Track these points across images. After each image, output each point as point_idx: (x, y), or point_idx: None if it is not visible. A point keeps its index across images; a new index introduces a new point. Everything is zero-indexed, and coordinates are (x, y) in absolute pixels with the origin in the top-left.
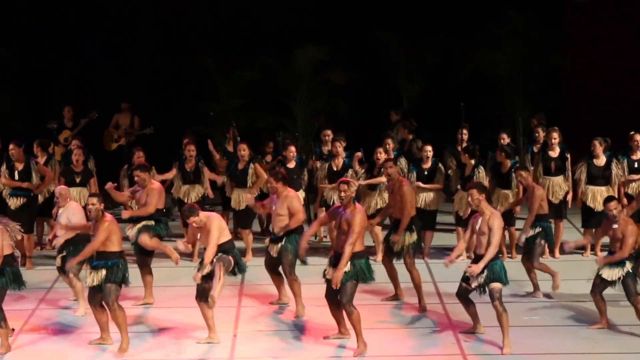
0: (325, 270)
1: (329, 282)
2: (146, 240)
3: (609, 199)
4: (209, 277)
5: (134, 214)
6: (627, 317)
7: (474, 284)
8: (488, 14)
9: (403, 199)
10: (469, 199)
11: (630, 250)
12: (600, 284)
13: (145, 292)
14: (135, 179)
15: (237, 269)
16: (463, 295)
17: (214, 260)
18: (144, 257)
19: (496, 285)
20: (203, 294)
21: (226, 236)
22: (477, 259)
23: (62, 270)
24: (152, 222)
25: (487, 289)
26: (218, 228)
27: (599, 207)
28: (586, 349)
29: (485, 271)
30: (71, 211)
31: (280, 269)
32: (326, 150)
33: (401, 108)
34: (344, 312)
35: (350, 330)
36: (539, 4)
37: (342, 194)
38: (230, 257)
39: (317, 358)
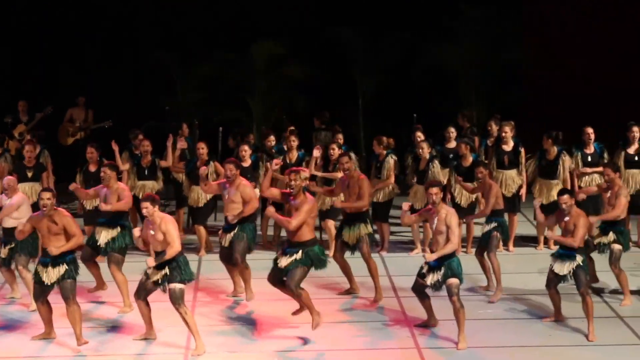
0: (276, 257)
1: (275, 266)
2: (115, 272)
3: (561, 192)
4: (157, 283)
5: (115, 208)
6: (581, 311)
7: (429, 281)
8: (445, 9)
9: (362, 191)
10: (432, 197)
11: (581, 241)
12: (554, 278)
13: (96, 282)
14: (102, 175)
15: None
16: (419, 289)
17: (171, 296)
18: (94, 252)
19: (454, 280)
20: (142, 292)
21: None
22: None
23: (5, 262)
24: (117, 231)
25: (444, 285)
26: (176, 229)
27: (545, 200)
28: (540, 342)
29: (443, 268)
30: (11, 208)
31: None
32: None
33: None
34: (291, 296)
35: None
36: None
37: (292, 182)
38: (180, 287)
39: (271, 352)
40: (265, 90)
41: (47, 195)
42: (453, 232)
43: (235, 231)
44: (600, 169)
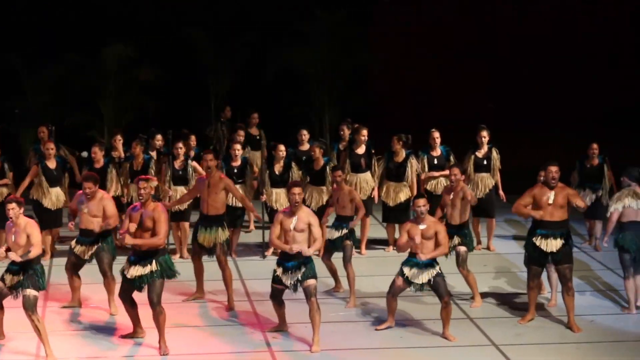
0: (123, 267)
1: (124, 280)
2: None
3: (418, 196)
4: (12, 288)
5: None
6: (430, 312)
7: (289, 281)
8: (297, 12)
9: (230, 192)
10: (296, 197)
11: (448, 246)
12: (401, 286)
13: None
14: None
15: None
16: (277, 297)
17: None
18: None
19: (312, 281)
20: None
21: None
22: (286, 257)
23: None
24: None
25: (301, 286)
26: (39, 234)
27: (392, 202)
28: (392, 344)
29: (302, 268)
30: None
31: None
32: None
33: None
34: (152, 312)
35: (149, 329)
36: (348, 4)
37: (142, 191)
38: (35, 294)
39: (124, 357)
40: (116, 93)
41: None
42: (317, 228)
43: (99, 244)
44: (447, 172)
